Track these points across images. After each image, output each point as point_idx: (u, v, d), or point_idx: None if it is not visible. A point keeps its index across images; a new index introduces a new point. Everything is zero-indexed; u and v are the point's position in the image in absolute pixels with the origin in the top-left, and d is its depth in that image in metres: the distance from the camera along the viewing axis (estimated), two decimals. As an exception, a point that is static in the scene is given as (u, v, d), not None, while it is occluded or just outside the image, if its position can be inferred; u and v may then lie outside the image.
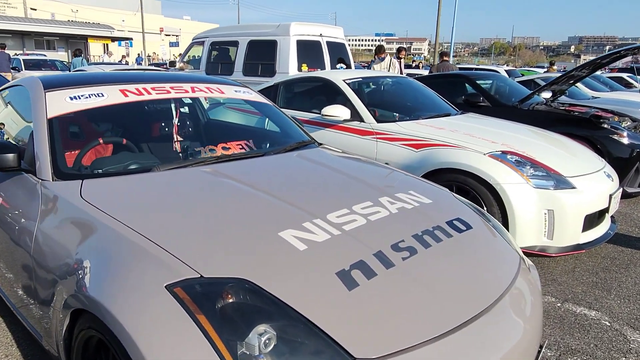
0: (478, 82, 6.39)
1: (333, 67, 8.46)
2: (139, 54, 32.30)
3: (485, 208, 3.30)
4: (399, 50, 9.34)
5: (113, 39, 41.83)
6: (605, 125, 5.23)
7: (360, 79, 4.50)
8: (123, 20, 52.16)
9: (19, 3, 45.94)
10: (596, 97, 8.76)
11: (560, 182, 3.28)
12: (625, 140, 5.12)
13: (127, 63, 23.69)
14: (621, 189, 3.71)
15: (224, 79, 3.17)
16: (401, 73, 9.67)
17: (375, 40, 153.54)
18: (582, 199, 3.26)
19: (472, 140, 3.58)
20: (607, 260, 3.61)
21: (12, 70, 13.46)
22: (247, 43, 8.47)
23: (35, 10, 45.18)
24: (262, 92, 4.94)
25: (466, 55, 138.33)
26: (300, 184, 2.08)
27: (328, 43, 8.51)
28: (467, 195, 3.39)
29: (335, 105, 4.03)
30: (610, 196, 3.45)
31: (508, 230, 3.23)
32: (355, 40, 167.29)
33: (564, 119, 5.52)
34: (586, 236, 3.39)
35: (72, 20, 45.06)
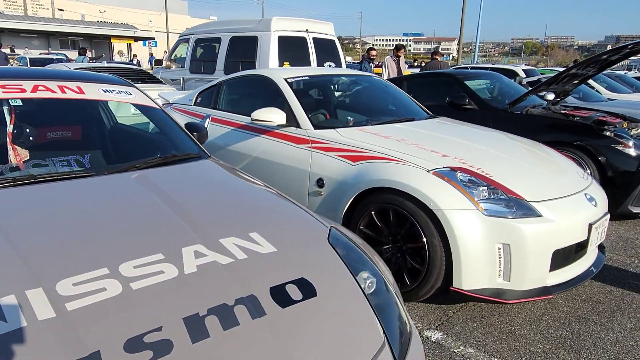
0: (467, 82, 5.66)
1: (320, 65, 7.84)
2: (151, 54, 32.36)
3: (425, 239, 2.63)
4: (396, 48, 8.62)
5: (136, 39, 42.18)
6: (608, 133, 4.45)
7: (307, 78, 3.86)
8: (150, 21, 52.77)
9: (50, 4, 47.03)
10: (612, 99, 7.86)
11: (522, 209, 2.58)
12: (632, 151, 4.33)
13: (138, 63, 23.56)
14: (608, 215, 2.97)
15: (98, 74, 2.60)
16: (400, 73, 8.98)
17: (403, 41, 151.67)
18: (548, 230, 2.56)
19: (418, 153, 2.91)
20: (588, 305, 2.88)
21: None
22: (229, 39, 7.95)
23: (63, 10, 46.08)
24: (205, 92, 4.38)
25: (496, 55, 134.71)
26: (82, 225, 1.47)
27: (315, 40, 7.89)
28: (406, 221, 2.73)
29: (268, 109, 3.42)
30: (591, 225, 2.72)
31: (452, 269, 2.57)
32: (383, 40, 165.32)
33: (560, 125, 4.75)
34: (556, 276, 2.68)
35: (100, 21, 45.82)
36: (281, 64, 7.35)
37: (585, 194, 2.87)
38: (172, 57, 9.51)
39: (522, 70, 14.01)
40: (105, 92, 2.43)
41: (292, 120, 3.45)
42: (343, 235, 1.75)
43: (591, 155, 4.42)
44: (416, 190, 2.64)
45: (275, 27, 7.36)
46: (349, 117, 3.88)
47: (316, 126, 3.39)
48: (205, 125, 4.10)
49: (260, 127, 3.58)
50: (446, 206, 2.56)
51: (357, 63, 8.96)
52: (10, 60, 18.53)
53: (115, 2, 52.21)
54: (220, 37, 8.16)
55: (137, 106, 2.60)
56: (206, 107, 4.26)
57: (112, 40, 39.86)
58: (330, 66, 8.00)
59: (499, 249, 2.53)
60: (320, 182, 3.16)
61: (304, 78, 3.83)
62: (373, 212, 2.88)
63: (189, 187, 1.91)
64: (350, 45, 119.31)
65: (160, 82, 7.60)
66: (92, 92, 2.37)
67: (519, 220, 2.53)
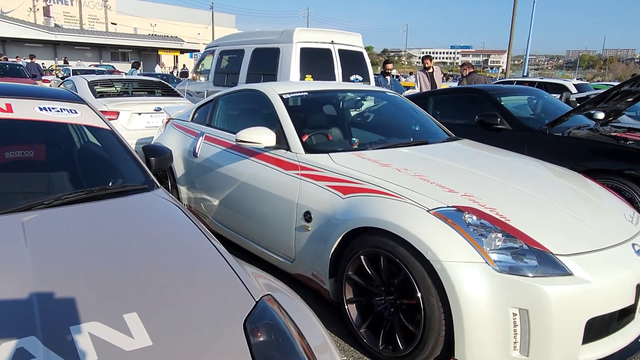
0: (502, 98, 5.06)
1: (346, 78, 7.41)
2: (184, 65, 33.23)
3: (420, 295, 2.11)
4: (423, 59, 8.08)
5: (182, 51, 43.51)
6: (667, 161, 3.75)
7: (306, 94, 3.42)
8: (199, 34, 54.31)
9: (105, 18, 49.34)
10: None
11: (546, 264, 2.02)
12: (696, 183, 3.62)
13: (178, 74, 23.99)
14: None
15: (41, 89, 2.27)
16: (435, 86, 8.43)
17: (451, 53, 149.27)
18: (581, 293, 1.99)
19: (419, 187, 2.40)
20: (634, 386, 2.26)
21: (34, 78, 13.91)
22: (252, 51, 7.67)
23: (116, 24, 48.15)
24: (201, 107, 4.04)
25: (549, 68, 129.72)
26: None
27: (341, 51, 7.47)
28: (399, 272, 2.22)
29: (255, 128, 3.01)
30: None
31: (453, 337, 2.04)
32: (430, 53, 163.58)
33: (608, 150, 4.08)
34: (592, 351, 2.09)
35: (151, 34, 47.65)
36: (303, 77, 6.98)
37: (634, 245, 2.27)
38: (199, 69, 9.36)
39: (574, 84, 13.05)
40: (41, 110, 2.08)
41: (282, 142, 3.02)
42: (277, 312, 1.29)
43: (646, 188, 3.74)
44: (410, 234, 2.13)
45: (297, 39, 7.01)
46: (354, 139, 3.43)
47: (309, 150, 2.95)
48: (197, 144, 3.75)
49: (249, 149, 3.17)
50: (446, 257, 2.04)
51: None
52: (55, 71, 19.27)
53: (166, 16, 54.17)
54: (243, 48, 7.90)
55: (83, 127, 2.25)
56: (202, 123, 3.91)
57: (159, 53, 41.16)
58: (356, 80, 7.57)
59: (514, 314, 1.98)
60: (307, 216, 2.70)
61: (302, 94, 3.39)
62: (362, 257, 2.39)
63: (83, 238, 1.50)
64: (396, 58, 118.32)
65: (177, 95, 7.39)
66: (24, 110, 2.04)
67: (542, 279, 1.98)
